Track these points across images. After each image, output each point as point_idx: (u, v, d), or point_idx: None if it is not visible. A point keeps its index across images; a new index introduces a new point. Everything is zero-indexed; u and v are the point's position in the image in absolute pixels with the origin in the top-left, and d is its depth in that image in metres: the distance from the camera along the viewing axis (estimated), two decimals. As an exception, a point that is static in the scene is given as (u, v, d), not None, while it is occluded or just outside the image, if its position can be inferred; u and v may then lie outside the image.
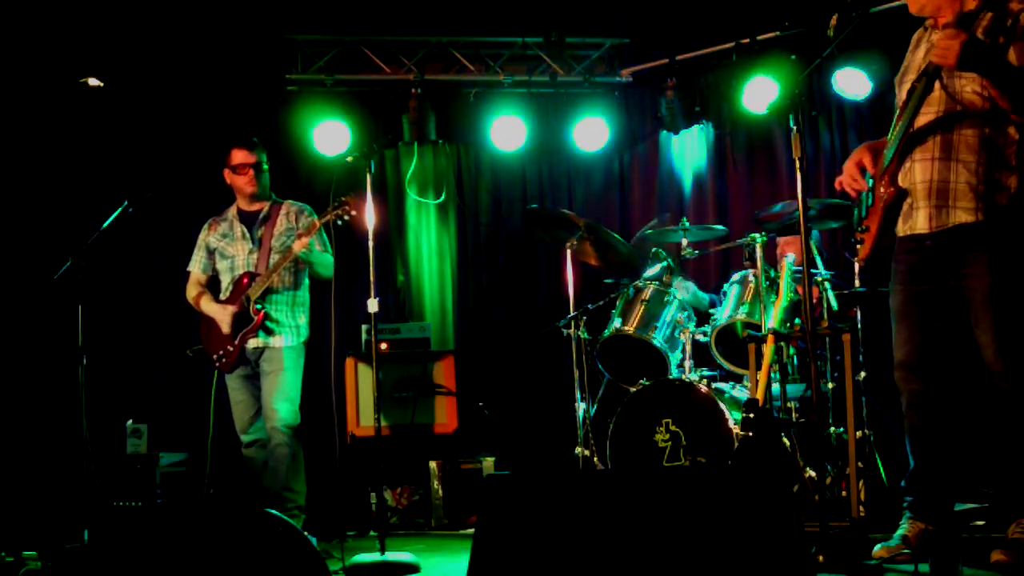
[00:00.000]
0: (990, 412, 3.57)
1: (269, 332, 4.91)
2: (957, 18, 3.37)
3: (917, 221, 3.57)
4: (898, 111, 3.62)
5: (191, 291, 5.15)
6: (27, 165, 6.13)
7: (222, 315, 4.95)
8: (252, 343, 4.92)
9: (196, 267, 5.16)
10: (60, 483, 5.48)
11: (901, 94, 3.64)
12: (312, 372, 6.47)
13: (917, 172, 3.55)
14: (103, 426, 5.37)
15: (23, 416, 5.94)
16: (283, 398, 4.87)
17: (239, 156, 5.04)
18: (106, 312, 6.12)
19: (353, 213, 4.65)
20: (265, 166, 5.07)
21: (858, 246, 3.72)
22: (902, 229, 3.65)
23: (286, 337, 4.95)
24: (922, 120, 3.53)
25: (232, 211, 5.13)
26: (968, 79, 3.41)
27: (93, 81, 5.40)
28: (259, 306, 4.89)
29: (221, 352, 4.95)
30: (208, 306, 5.04)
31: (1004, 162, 3.43)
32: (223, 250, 5.09)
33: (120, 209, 4.73)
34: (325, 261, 4.95)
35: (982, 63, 3.29)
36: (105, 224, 4.70)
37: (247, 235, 5.06)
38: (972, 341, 3.51)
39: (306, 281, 5.09)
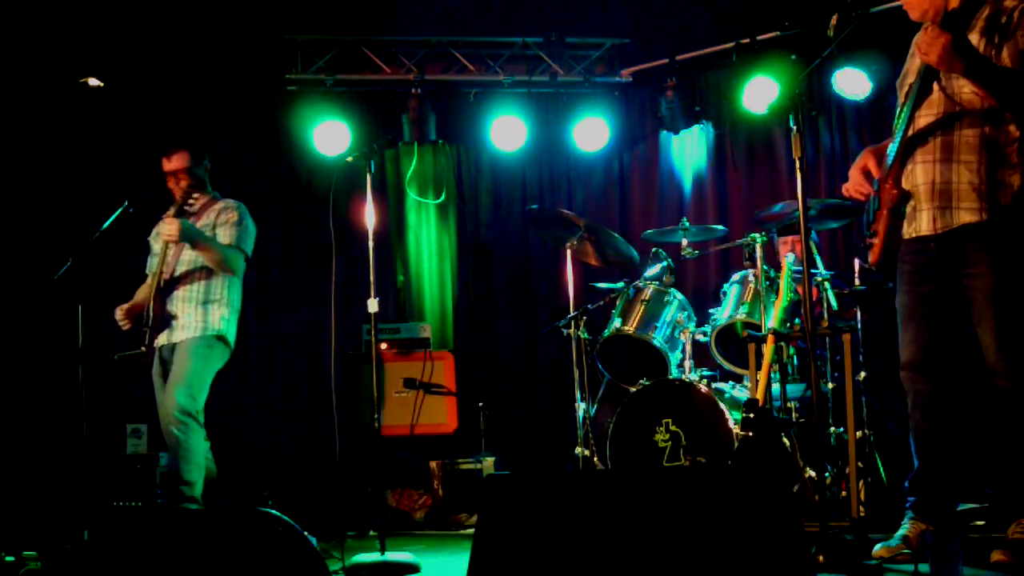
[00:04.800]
0: (992, 412, 3.57)
1: (169, 327, 4.68)
2: (941, 18, 3.37)
3: (921, 223, 3.56)
4: (898, 113, 3.62)
5: None
6: (27, 165, 6.13)
7: (119, 314, 4.74)
8: (158, 341, 4.70)
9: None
10: (60, 483, 5.48)
11: (901, 97, 3.65)
12: (312, 372, 6.52)
13: (919, 174, 3.54)
14: (103, 426, 5.38)
15: (23, 416, 5.94)
16: (179, 383, 4.57)
17: None
18: (107, 312, 6.13)
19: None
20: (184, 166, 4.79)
21: (868, 251, 3.72)
22: (907, 231, 3.64)
23: (188, 331, 4.67)
24: (922, 122, 3.53)
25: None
26: (965, 79, 3.40)
27: (93, 81, 5.40)
28: (162, 302, 4.68)
29: (144, 351, 4.72)
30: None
31: (1005, 160, 3.42)
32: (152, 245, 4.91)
33: (120, 209, 4.71)
34: (217, 252, 4.64)
35: (965, 64, 3.28)
36: (105, 224, 4.69)
37: None
38: (976, 340, 3.51)
39: (229, 281, 4.78)
